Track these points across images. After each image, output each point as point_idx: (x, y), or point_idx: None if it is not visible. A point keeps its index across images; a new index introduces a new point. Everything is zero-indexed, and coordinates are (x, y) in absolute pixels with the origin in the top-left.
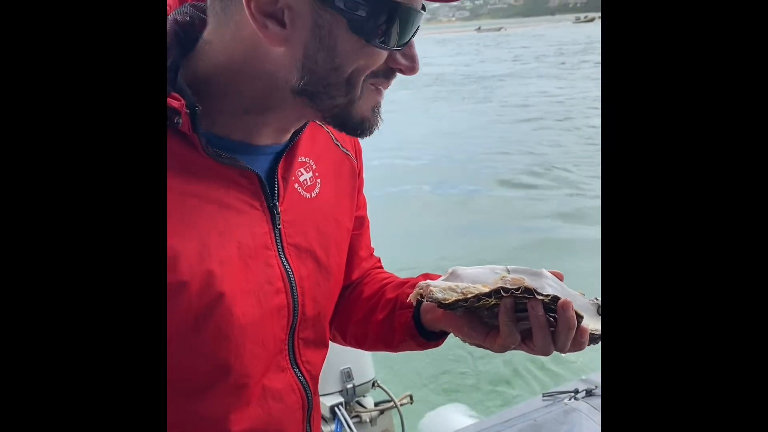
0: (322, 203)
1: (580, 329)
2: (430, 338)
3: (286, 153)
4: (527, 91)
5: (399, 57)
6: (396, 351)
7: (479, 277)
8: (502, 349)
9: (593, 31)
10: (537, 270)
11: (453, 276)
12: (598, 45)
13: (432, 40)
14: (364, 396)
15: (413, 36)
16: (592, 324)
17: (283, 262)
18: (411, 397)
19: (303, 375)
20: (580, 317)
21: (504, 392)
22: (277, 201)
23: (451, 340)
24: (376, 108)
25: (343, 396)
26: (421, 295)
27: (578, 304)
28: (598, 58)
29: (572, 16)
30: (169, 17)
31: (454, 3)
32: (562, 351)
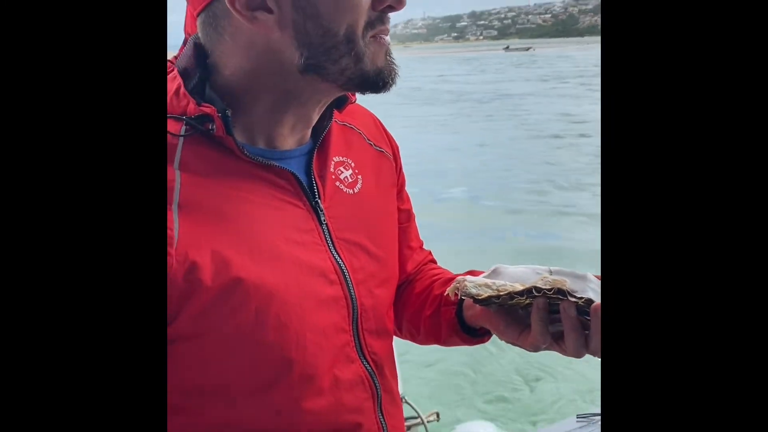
0: (367, 198)
1: None
2: (474, 335)
3: (317, 153)
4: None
5: None
6: (446, 345)
7: (521, 276)
8: (534, 348)
9: None
10: (581, 273)
11: (494, 273)
12: None
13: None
14: None
15: None
16: None
17: (334, 256)
18: (438, 414)
19: (370, 365)
20: None
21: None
22: (319, 198)
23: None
24: (388, 56)
25: None
26: (458, 290)
27: None
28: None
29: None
30: (189, 40)
31: (481, 22)
32: (595, 354)
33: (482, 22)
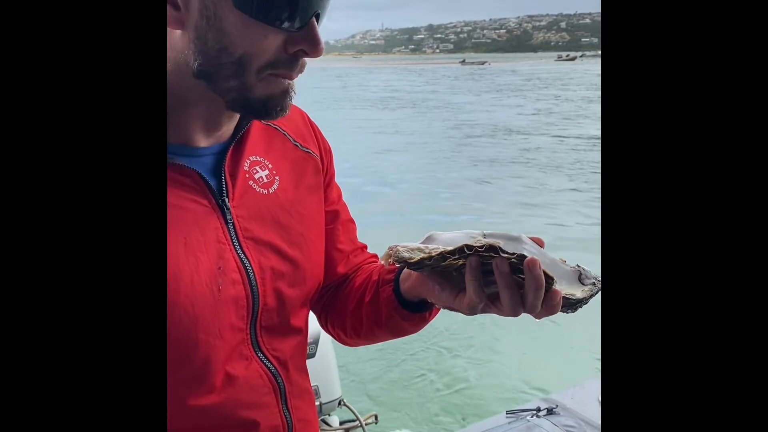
0: (283, 199)
1: (552, 291)
2: (413, 309)
3: (232, 152)
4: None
5: (299, 39)
6: (388, 331)
7: (454, 241)
8: (470, 310)
9: (571, 68)
10: (515, 235)
11: (428, 240)
12: (562, 80)
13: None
14: (329, 414)
15: (310, 18)
16: (569, 289)
17: (238, 254)
18: (376, 417)
19: (270, 361)
20: (550, 278)
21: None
22: (227, 197)
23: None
24: (281, 93)
25: None
26: (390, 257)
27: (558, 271)
28: (558, 92)
29: (554, 54)
30: None
31: (437, 35)
32: (532, 312)
33: (439, 36)
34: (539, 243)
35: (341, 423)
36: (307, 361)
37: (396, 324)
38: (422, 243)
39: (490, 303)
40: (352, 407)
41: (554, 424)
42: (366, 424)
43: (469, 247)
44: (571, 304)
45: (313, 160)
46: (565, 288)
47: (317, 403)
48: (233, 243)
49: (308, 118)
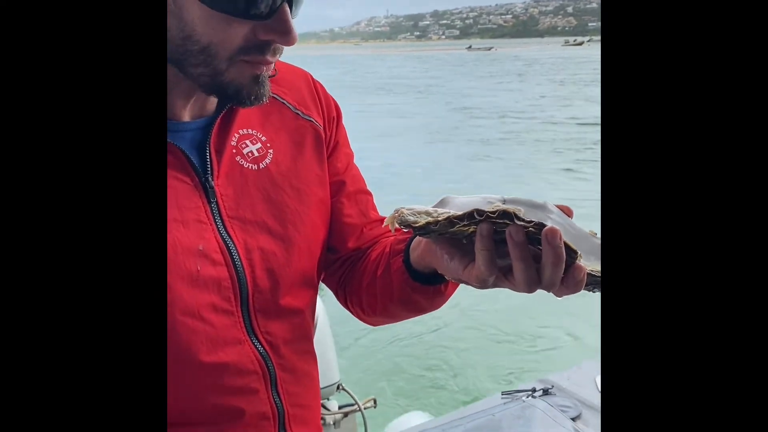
0: (276, 173)
1: (574, 267)
2: (425, 281)
3: (219, 126)
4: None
5: (269, 27)
6: (401, 306)
7: (469, 205)
8: (481, 283)
9: (576, 53)
10: (539, 202)
11: (442, 203)
12: (565, 65)
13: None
14: (328, 399)
15: (280, 5)
16: (595, 265)
17: (221, 235)
18: (375, 401)
19: (262, 345)
20: (573, 252)
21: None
22: (210, 175)
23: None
24: (254, 80)
25: None
26: (395, 219)
27: (585, 245)
28: (562, 76)
29: (562, 39)
30: None
31: (443, 21)
32: (550, 289)
33: (444, 22)
34: (567, 212)
35: (340, 407)
36: None
37: (408, 297)
38: (434, 207)
39: (503, 276)
40: (350, 391)
41: (550, 404)
42: (365, 408)
43: (479, 212)
44: (597, 282)
45: (315, 128)
46: (592, 263)
47: None
48: (216, 223)
49: (313, 80)
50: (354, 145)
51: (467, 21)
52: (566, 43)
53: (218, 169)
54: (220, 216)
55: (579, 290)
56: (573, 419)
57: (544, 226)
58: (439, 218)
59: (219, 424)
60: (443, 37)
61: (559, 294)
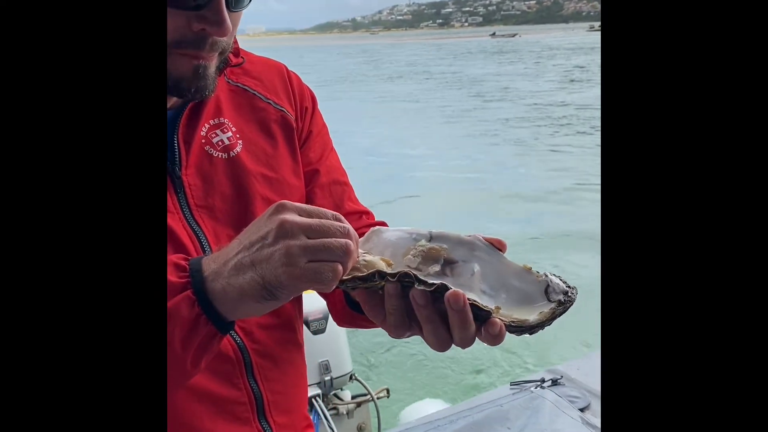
0: (246, 161)
1: (489, 322)
2: (360, 310)
3: (186, 117)
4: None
5: (202, 18)
6: (350, 321)
7: (394, 242)
8: (398, 336)
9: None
10: (467, 237)
11: (372, 234)
12: (584, 49)
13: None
14: (341, 389)
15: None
16: (520, 313)
17: (189, 224)
18: (388, 390)
19: (235, 331)
20: (484, 311)
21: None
22: (178, 166)
23: None
24: (193, 73)
25: (320, 388)
26: None
27: (513, 285)
28: (582, 60)
29: (587, 25)
30: None
31: (466, 8)
32: (464, 347)
33: (467, 9)
34: (499, 246)
35: (353, 397)
36: (318, 336)
37: (352, 319)
38: (364, 240)
39: (419, 330)
40: (363, 381)
41: (558, 395)
42: (378, 398)
43: (381, 273)
44: (524, 329)
45: (286, 118)
46: (515, 311)
47: (327, 378)
48: (183, 212)
49: (287, 71)
50: (372, 131)
51: (490, 7)
52: (591, 28)
53: (186, 160)
54: (188, 205)
55: (500, 342)
56: (581, 410)
57: (447, 288)
58: (345, 277)
59: (196, 408)
60: (466, 24)
61: (466, 346)
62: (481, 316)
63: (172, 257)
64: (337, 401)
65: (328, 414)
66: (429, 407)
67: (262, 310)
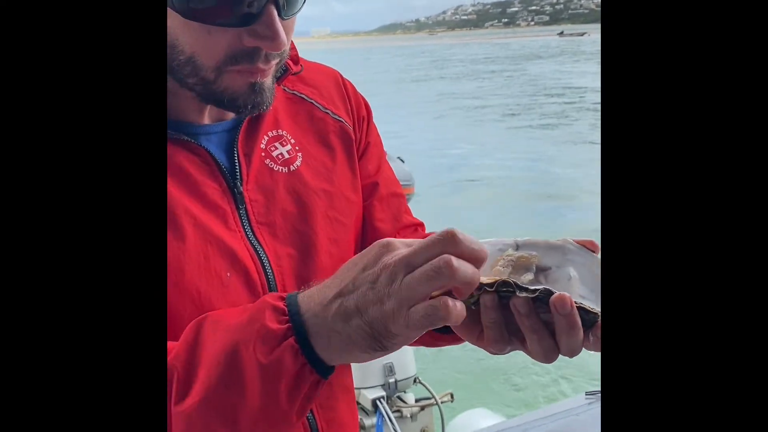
0: (306, 175)
1: (596, 327)
2: (441, 330)
3: (246, 129)
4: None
5: (255, 33)
6: (418, 340)
7: None
8: (497, 351)
9: None
10: (556, 242)
11: None
12: None
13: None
14: (405, 391)
15: (263, 8)
16: None
17: (251, 242)
18: (452, 395)
19: None
20: (592, 313)
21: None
22: (239, 181)
23: None
24: (248, 90)
25: (384, 390)
26: None
27: None
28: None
29: None
30: None
31: (532, 7)
32: (572, 356)
33: (534, 7)
34: (592, 247)
35: (417, 400)
36: None
37: (433, 340)
38: None
39: (520, 344)
40: (427, 385)
41: None
42: (442, 402)
43: (478, 286)
44: None
45: (344, 128)
46: None
47: (392, 380)
48: (245, 229)
49: (342, 79)
50: (430, 135)
51: (557, 6)
52: None
53: (247, 174)
54: (249, 222)
55: None
56: None
57: (551, 292)
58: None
59: None
60: (532, 23)
61: (573, 355)
62: (588, 320)
63: (267, 298)
64: (401, 404)
65: (392, 416)
66: (478, 419)
67: (369, 359)
